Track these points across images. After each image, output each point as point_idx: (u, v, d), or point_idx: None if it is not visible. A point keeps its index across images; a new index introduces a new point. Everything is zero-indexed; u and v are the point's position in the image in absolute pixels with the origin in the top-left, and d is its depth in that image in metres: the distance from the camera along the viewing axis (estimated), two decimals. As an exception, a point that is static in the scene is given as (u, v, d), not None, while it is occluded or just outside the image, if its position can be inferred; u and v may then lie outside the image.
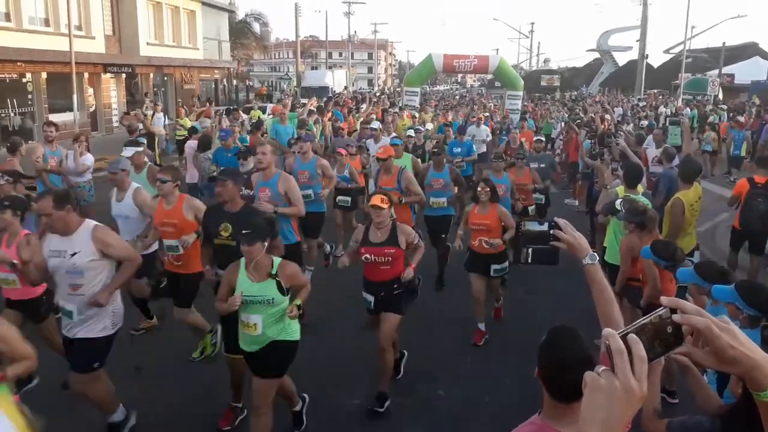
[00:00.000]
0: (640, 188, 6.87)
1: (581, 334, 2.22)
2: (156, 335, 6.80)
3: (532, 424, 2.22)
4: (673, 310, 1.18)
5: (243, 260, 4.40)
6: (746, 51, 47.95)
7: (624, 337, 1.11)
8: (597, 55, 61.53)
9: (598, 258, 2.27)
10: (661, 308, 1.18)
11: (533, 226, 2.28)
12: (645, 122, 17.98)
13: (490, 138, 14.89)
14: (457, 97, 50.81)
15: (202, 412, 5.19)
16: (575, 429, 2.10)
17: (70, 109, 19.74)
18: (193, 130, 11.27)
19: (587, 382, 1.15)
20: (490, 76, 47.35)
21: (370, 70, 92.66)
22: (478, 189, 6.66)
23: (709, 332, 1.19)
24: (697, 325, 1.18)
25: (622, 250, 5.65)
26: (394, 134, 13.10)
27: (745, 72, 41.43)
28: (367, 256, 5.24)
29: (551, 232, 2.23)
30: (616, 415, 1.11)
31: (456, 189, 8.75)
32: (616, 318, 2.29)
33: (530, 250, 2.29)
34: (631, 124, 18.73)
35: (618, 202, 6.07)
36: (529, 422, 2.25)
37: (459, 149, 12.15)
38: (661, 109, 28.68)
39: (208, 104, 25.47)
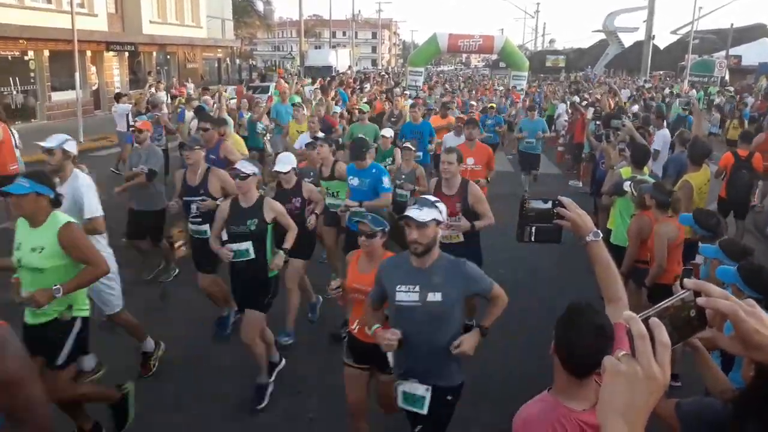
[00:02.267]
0: (646, 169, 6.83)
1: (600, 311, 2.21)
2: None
3: (543, 401, 2.23)
4: (697, 293, 1.12)
5: None
6: (754, 32, 47.62)
7: (645, 321, 1.05)
8: (603, 36, 61.00)
9: (601, 235, 2.24)
10: (684, 291, 1.13)
11: (536, 204, 2.25)
12: (653, 103, 17.79)
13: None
14: (461, 78, 49.40)
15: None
16: (586, 405, 2.11)
17: (73, 88, 19.64)
18: (199, 109, 11.21)
19: (606, 367, 1.07)
20: (495, 57, 46.91)
21: (374, 49, 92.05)
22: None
23: (735, 316, 1.14)
24: (722, 309, 1.13)
25: (630, 231, 5.56)
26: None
27: (752, 53, 41.18)
28: None
29: (554, 210, 2.20)
30: (638, 403, 1.03)
31: None
32: (621, 296, 2.28)
33: (533, 229, 2.25)
34: (636, 106, 18.59)
35: (627, 183, 6.01)
36: (539, 399, 2.25)
37: (389, 184, 6.32)
38: (667, 90, 28.50)
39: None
